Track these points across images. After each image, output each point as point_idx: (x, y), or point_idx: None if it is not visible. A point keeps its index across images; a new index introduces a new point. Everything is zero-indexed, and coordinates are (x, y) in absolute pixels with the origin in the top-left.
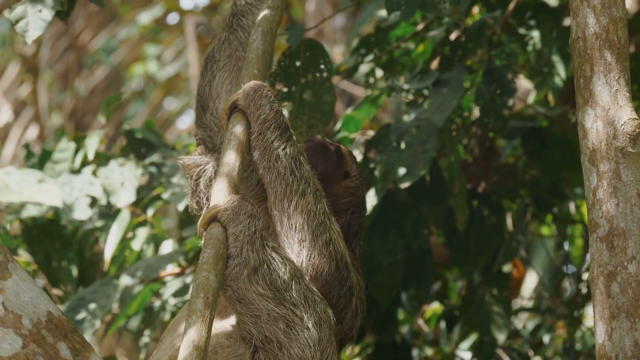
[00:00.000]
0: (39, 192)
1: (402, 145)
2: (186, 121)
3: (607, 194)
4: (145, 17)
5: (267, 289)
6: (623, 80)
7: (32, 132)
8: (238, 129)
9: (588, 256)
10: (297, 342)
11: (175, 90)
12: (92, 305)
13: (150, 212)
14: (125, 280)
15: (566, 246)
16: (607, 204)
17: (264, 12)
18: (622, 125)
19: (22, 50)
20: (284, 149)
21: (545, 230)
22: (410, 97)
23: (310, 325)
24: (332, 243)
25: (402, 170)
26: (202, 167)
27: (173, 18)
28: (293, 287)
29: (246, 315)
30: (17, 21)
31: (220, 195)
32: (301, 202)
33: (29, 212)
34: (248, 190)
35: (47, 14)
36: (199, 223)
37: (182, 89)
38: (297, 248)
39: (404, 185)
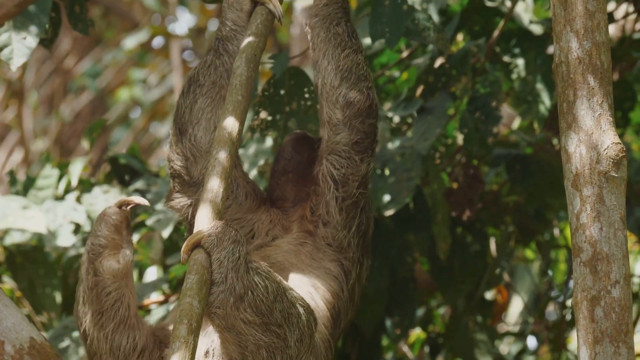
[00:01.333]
0: (23, 219)
1: (387, 173)
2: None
3: (590, 218)
4: (131, 42)
5: (254, 315)
6: (606, 104)
7: (17, 157)
8: (222, 155)
9: (571, 281)
10: None
11: (160, 114)
12: (75, 334)
13: (134, 238)
14: None
15: (550, 271)
16: (590, 228)
17: (248, 39)
18: (605, 149)
19: (7, 75)
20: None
21: (529, 254)
22: (395, 123)
23: (292, 344)
24: (372, 89)
25: (386, 198)
26: (191, 205)
27: (158, 42)
28: (276, 307)
29: (234, 344)
30: (1, 48)
31: (204, 221)
32: (353, 55)
33: (13, 238)
34: (238, 207)
35: (32, 41)
36: (182, 249)
37: (167, 114)
38: (337, 82)
39: (389, 212)
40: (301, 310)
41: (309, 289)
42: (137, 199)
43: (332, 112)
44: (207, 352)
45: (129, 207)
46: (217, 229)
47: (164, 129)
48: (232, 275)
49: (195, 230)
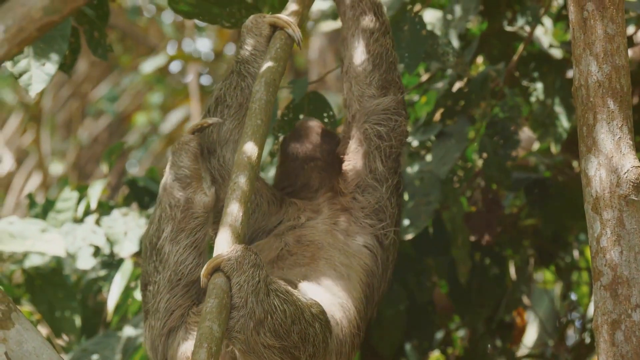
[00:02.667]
0: (42, 242)
1: (406, 197)
2: None
3: (610, 242)
4: (149, 66)
5: (274, 339)
6: (626, 128)
7: (35, 181)
8: (241, 179)
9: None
10: None
11: (177, 139)
12: (95, 357)
13: None
14: (128, 331)
15: (573, 296)
16: (610, 252)
17: (268, 63)
18: (625, 173)
19: (25, 99)
20: None
21: (548, 276)
22: (414, 147)
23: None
24: (401, 78)
25: (405, 222)
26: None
27: (176, 66)
28: (294, 330)
29: None
30: (20, 74)
31: (224, 245)
32: (382, 39)
33: (32, 261)
34: (262, 216)
35: (51, 67)
36: (202, 273)
37: None
38: (370, 67)
39: (408, 236)
40: (317, 327)
41: (343, 272)
42: (210, 120)
43: (367, 88)
44: None
45: (202, 130)
46: (236, 252)
47: None
48: (252, 299)
49: (214, 254)
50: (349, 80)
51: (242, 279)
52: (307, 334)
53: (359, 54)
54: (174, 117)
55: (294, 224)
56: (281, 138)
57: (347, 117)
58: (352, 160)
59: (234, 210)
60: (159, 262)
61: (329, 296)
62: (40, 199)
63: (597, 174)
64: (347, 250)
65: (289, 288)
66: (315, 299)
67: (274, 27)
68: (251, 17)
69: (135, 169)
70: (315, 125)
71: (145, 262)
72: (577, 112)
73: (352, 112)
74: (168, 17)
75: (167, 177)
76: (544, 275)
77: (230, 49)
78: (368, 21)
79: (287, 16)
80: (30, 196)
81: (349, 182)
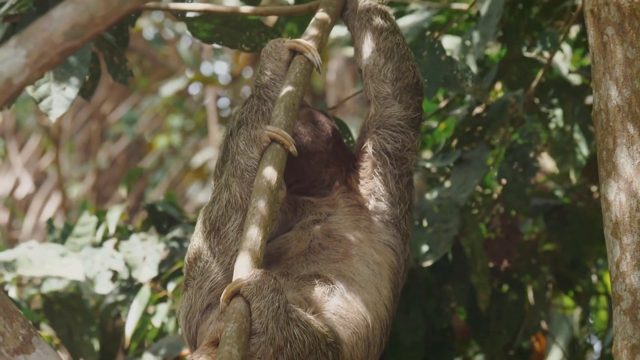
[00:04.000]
0: (61, 266)
1: (424, 224)
2: (207, 194)
3: (630, 266)
4: (168, 89)
5: None
6: None
7: (53, 204)
8: (261, 204)
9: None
10: None
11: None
12: None
13: (171, 286)
14: (147, 358)
15: (591, 319)
16: (630, 276)
17: (287, 88)
18: None
19: (44, 121)
20: None
21: (567, 302)
22: (432, 174)
23: None
24: (416, 68)
25: (424, 248)
26: None
27: (195, 88)
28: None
29: None
30: (41, 99)
31: (243, 270)
32: (391, 36)
33: (51, 286)
34: (284, 218)
35: (71, 92)
36: (221, 297)
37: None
38: (382, 61)
39: (427, 263)
40: (330, 356)
41: (375, 269)
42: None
43: (381, 87)
44: None
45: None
46: (256, 277)
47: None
48: (272, 325)
49: (234, 278)
50: (366, 79)
51: (262, 304)
52: None
53: (371, 53)
54: (192, 140)
55: (317, 218)
56: None
57: (366, 115)
58: (364, 166)
59: (254, 234)
60: (217, 245)
61: (364, 295)
62: (58, 222)
63: (616, 199)
64: (375, 247)
65: (308, 317)
66: (334, 319)
67: (294, 52)
68: (271, 41)
69: (153, 190)
70: (308, 113)
71: (201, 237)
72: (597, 137)
73: (370, 114)
74: (186, 40)
75: (237, 163)
76: (563, 301)
77: (247, 72)
78: (375, 24)
79: (306, 41)
80: (49, 221)
81: (361, 183)
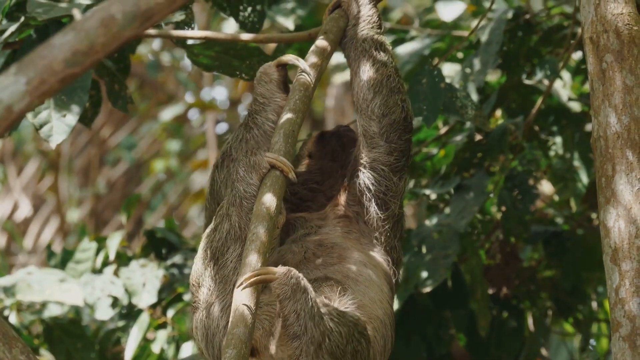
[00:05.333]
0: (61, 292)
1: (424, 250)
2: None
3: (629, 293)
4: (167, 114)
5: None
6: None
7: (52, 227)
8: (260, 230)
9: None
10: None
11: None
12: None
13: (170, 312)
14: None
15: (591, 343)
16: (629, 303)
17: (287, 115)
18: None
19: (43, 145)
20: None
21: (567, 328)
22: (432, 200)
23: None
24: (406, 101)
25: (424, 275)
26: None
27: (194, 114)
28: (348, 349)
29: None
30: (41, 126)
31: (242, 296)
32: (382, 68)
33: (51, 311)
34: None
35: (72, 118)
36: (245, 277)
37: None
38: (370, 95)
39: (426, 289)
40: (363, 343)
41: (372, 270)
42: (291, 176)
43: (368, 125)
44: None
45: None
46: (290, 279)
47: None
48: (310, 325)
49: (233, 305)
50: (357, 112)
51: (299, 307)
52: (357, 351)
53: (361, 86)
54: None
55: (307, 231)
56: (316, 133)
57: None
58: (353, 192)
59: (253, 261)
60: (216, 274)
61: (371, 294)
62: (57, 246)
63: (615, 225)
64: (368, 253)
65: (340, 309)
66: (357, 311)
67: (282, 67)
68: (260, 67)
69: (152, 214)
70: (354, 137)
71: (202, 263)
72: (596, 163)
73: (359, 148)
74: (185, 66)
75: (237, 191)
76: (563, 327)
77: (247, 98)
78: (369, 56)
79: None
80: (48, 247)
81: (349, 203)
